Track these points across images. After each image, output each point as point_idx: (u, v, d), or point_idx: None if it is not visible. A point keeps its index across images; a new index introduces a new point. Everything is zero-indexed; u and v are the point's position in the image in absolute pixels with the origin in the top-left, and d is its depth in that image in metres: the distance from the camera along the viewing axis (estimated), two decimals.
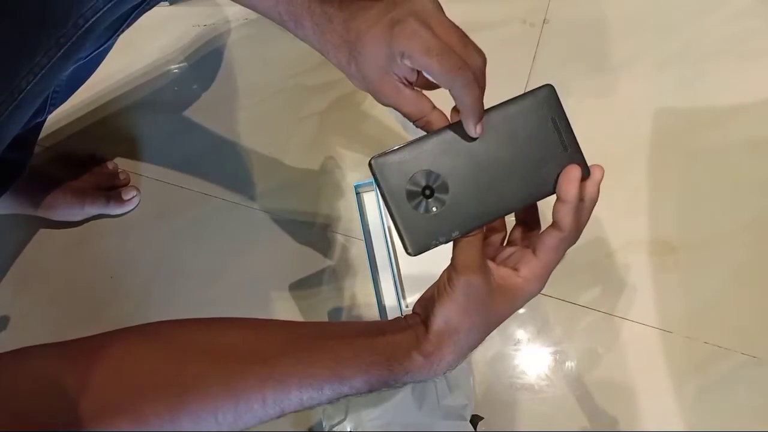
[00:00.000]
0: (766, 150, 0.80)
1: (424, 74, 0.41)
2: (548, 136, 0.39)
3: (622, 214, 0.77)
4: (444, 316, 0.38)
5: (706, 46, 0.86)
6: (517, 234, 0.43)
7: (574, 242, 0.40)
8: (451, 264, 0.39)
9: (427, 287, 0.44)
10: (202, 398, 0.35)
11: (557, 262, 0.40)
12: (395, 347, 0.39)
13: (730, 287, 0.74)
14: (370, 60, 0.40)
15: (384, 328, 0.40)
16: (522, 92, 0.40)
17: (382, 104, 0.42)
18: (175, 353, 0.38)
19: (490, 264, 0.39)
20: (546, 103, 0.39)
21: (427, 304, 0.40)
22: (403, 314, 0.67)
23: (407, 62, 0.38)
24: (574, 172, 0.38)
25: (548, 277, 0.40)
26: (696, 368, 0.70)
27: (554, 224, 0.38)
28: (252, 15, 0.94)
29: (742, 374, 0.70)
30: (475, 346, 0.40)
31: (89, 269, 0.80)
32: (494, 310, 0.39)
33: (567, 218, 0.38)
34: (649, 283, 0.74)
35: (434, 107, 0.41)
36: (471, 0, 0.90)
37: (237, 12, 0.94)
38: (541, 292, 0.41)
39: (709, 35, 0.86)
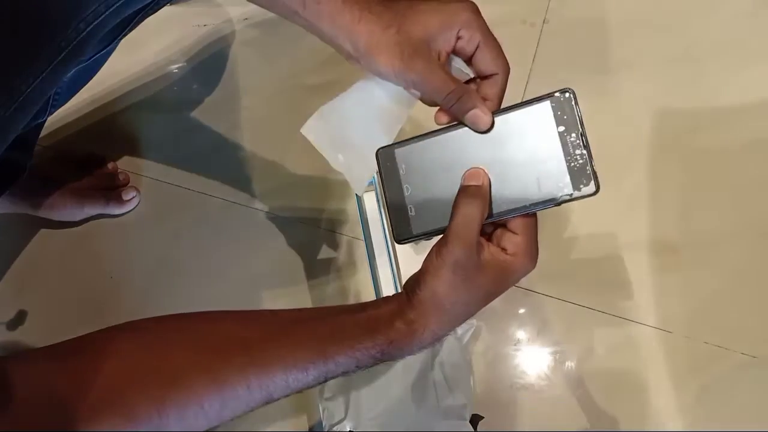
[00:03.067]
0: (766, 150, 0.80)
1: (454, 59, 0.42)
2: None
3: (622, 214, 0.77)
4: (430, 287, 0.38)
5: (706, 46, 0.86)
6: None
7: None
8: (444, 235, 0.39)
9: None
10: (186, 388, 0.36)
11: (536, 232, 0.40)
12: (377, 319, 0.39)
13: (730, 287, 0.74)
14: (420, 26, 0.40)
15: (365, 305, 0.41)
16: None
17: (407, 77, 0.41)
18: (159, 345, 0.38)
19: (483, 241, 0.39)
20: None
21: (415, 277, 0.40)
22: None
23: (465, 35, 0.40)
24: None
25: (537, 250, 0.40)
26: (696, 368, 0.70)
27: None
28: (252, 15, 0.94)
29: (742, 374, 0.70)
30: (463, 320, 0.40)
31: (89, 269, 0.80)
32: (482, 287, 0.39)
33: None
34: (649, 283, 0.74)
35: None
36: None
37: (238, 12, 0.94)
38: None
39: (709, 35, 0.86)
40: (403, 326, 0.38)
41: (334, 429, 0.62)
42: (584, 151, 0.37)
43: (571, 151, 0.37)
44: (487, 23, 0.42)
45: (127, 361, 0.37)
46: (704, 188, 0.78)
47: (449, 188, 0.40)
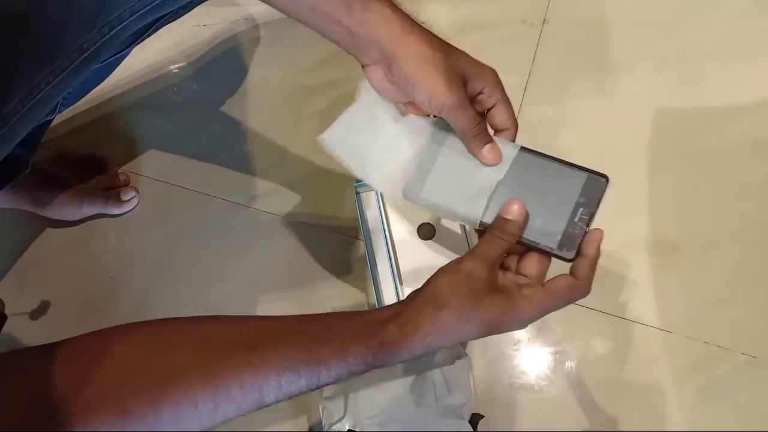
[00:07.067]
0: (766, 150, 0.80)
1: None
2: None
3: (622, 214, 0.77)
4: (436, 286, 0.40)
5: (706, 46, 0.86)
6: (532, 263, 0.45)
7: (584, 296, 0.44)
8: (471, 251, 0.41)
9: None
10: (181, 386, 0.36)
11: (558, 306, 0.43)
12: (372, 322, 0.40)
13: (730, 287, 0.74)
14: (462, 64, 0.46)
15: (364, 311, 0.42)
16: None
17: (443, 100, 0.44)
18: (156, 345, 0.39)
19: (501, 271, 0.43)
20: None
21: (424, 283, 0.42)
22: None
23: (487, 91, 0.46)
24: (597, 234, 0.42)
25: (543, 315, 0.42)
26: (696, 368, 0.70)
27: (571, 272, 0.43)
28: (252, 15, 0.94)
29: (742, 374, 0.70)
30: (454, 339, 0.40)
31: (89, 269, 0.80)
32: (485, 309, 0.40)
33: (583, 270, 0.42)
34: (649, 283, 0.74)
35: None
36: (471, 0, 0.90)
37: (238, 13, 0.94)
38: None
39: (709, 35, 0.86)
40: (396, 328, 0.39)
41: (334, 428, 0.62)
42: (585, 228, 0.43)
43: (576, 220, 0.43)
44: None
45: (124, 360, 0.38)
46: (704, 188, 0.78)
47: (476, 178, 0.45)
